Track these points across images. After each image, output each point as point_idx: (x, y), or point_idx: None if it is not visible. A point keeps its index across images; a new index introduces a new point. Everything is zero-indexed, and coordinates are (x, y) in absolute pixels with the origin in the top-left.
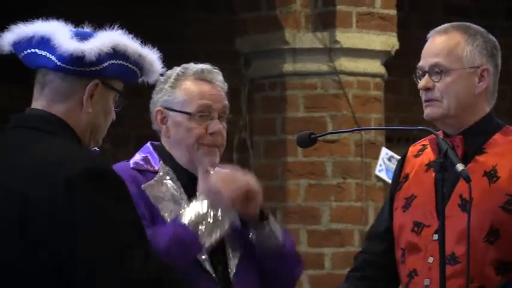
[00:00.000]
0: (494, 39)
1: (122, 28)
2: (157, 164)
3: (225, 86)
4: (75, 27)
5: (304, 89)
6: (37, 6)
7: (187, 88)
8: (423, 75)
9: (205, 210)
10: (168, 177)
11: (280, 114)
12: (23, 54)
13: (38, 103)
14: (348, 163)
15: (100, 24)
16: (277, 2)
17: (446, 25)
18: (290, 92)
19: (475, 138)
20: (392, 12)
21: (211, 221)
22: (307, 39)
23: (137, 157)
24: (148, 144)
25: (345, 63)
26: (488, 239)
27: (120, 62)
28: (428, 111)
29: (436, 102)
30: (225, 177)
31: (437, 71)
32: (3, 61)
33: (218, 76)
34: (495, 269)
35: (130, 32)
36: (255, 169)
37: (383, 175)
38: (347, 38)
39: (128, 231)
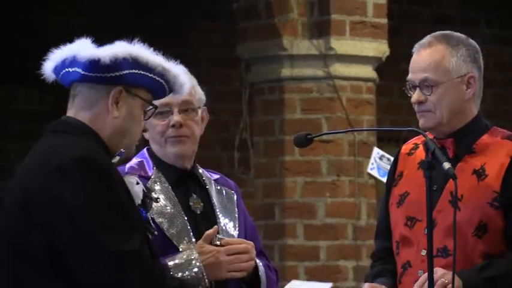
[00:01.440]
0: (474, 43)
1: (129, 37)
2: (150, 170)
3: (193, 80)
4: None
5: (301, 93)
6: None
7: None
8: (414, 88)
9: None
10: (158, 183)
11: (279, 116)
12: (59, 76)
13: (70, 112)
14: (342, 162)
15: (108, 33)
16: (276, 11)
17: (429, 38)
18: (288, 95)
19: (465, 140)
20: (384, 21)
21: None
22: (303, 46)
23: (133, 161)
24: (145, 149)
25: (339, 69)
26: (476, 234)
27: (143, 72)
28: (423, 122)
29: (429, 113)
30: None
31: (427, 85)
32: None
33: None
34: (483, 261)
35: (138, 41)
36: (255, 167)
37: (375, 173)
38: (341, 45)
39: (113, 212)
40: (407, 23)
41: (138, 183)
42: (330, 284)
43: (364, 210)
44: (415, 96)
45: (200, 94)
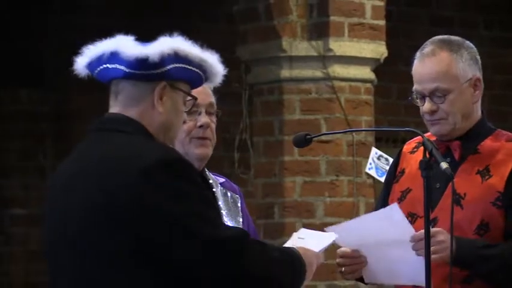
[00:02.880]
0: (472, 45)
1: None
2: None
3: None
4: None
5: (300, 94)
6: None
7: None
8: (423, 98)
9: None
10: None
11: (278, 117)
12: (96, 72)
13: (115, 109)
14: (341, 162)
15: (108, 33)
16: (275, 13)
17: (430, 46)
18: (287, 96)
19: (470, 142)
20: (382, 22)
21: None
22: (302, 47)
23: None
24: None
25: (338, 70)
26: (478, 232)
27: (184, 65)
28: (437, 129)
29: (442, 120)
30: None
31: (438, 94)
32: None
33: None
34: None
35: (143, 41)
36: (254, 167)
37: (373, 173)
38: (339, 46)
39: (205, 209)
40: (405, 25)
41: None
42: (334, 235)
43: (363, 210)
44: (428, 106)
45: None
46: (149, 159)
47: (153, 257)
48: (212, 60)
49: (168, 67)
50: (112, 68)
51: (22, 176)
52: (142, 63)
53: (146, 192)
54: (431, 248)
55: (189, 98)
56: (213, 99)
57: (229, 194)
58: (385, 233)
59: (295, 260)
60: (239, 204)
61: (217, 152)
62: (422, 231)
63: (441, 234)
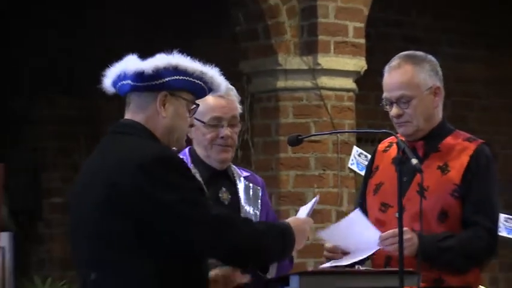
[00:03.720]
0: (433, 58)
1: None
2: (189, 165)
3: (238, 99)
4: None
5: (293, 101)
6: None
7: (206, 102)
8: (391, 104)
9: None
10: None
11: (274, 121)
12: (117, 88)
13: (127, 115)
14: (327, 158)
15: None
16: (272, 33)
17: (397, 60)
18: (282, 103)
19: (432, 141)
20: (362, 41)
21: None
22: (295, 62)
23: None
24: (187, 149)
25: (325, 81)
26: (439, 219)
27: (183, 77)
28: (403, 130)
29: (407, 123)
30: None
31: (403, 101)
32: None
33: (232, 92)
34: None
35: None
36: (255, 163)
37: (354, 167)
38: (326, 61)
39: (198, 196)
40: (382, 43)
41: None
42: (317, 197)
43: (346, 199)
44: (395, 111)
45: (240, 110)
46: (146, 156)
47: (153, 239)
48: (212, 72)
49: (167, 79)
50: (125, 83)
51: (59, 170)
52: (140, 76)
53: (144, 184)
54: (398, 246)
55: (193, 105)
56: (236, 112)
57: (251, 185)
58: (356, 235)
59: (284, 230)
60: (259, 194)
61: None
62: (389, 232)
63: (407, 233)
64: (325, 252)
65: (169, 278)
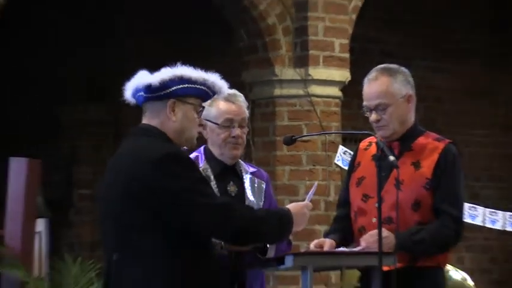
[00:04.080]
0: (406, 70)
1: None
2: (202, 162)
3: (246, 104)
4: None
5: (288, 107)
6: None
7: (218, 106)
8: (370, 111)
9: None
10: (205, 172)
11: (272, 123)
12: (135, 99)
13: (144, 121)
14: (317, 155)
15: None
16: (270, 49)
17: (374, 72)
18: (278, 108)
19: (406, 141)
20: (346, 55)
21: None
22: (290, 73)
23: (192, 154)
24: (202, 147)
25: (315, 89)
26: (413, 208)
27: (188, 85)
28: (381, 133)
29: (385, 127)
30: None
31: (381, 108)
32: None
33: (240, 98)
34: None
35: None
36: (255, 159)
37: (340, 163)
38: (316, 72)
39: (203, 186)
40: (363, 57)
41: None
42: (315, 185)
43: (333, 190)
44: (373, 117)
45: (247, 114)
46: (159, 154)
47: (165, 223)
48: (213, 78)
49: (174, 88)
50: (140, 95)
51: (88, 165)
52: (149, 88)
53: (156, 177)
54: (378, 244)
55: (200, 108)
56: (245, 115)
57: (256, 180)
58: None
59: (282, 216)
60: (263, 188)
61: None
62: (368, 234)
63: (385, 232)
64: (311, 246)
65: (181, 257)
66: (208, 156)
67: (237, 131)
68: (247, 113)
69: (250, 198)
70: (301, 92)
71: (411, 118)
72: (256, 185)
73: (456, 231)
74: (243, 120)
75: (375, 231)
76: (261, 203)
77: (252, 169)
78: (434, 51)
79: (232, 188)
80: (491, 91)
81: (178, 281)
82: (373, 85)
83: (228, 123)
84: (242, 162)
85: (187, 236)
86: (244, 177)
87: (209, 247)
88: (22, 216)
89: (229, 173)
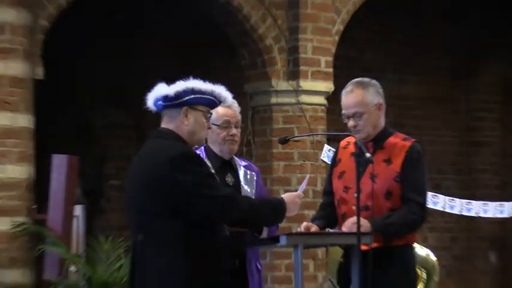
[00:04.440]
0: (377, 82)
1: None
2: (203, 158)
3: (239, 109)
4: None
5: (282, 112)
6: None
7: (217, 111)
8: (348, 118)
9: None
10: None
11: (269, 126)
12: (155, 106)
13: (162, 125)
14: (306, 153)
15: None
16: (267, 65)
17: (350, 86)
18: (274, 114)
19: (379, 142)
20: (331, 70)
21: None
22: (284, 85)
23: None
24: (202, 146)
25: (305, 99)
26: (385, 197)
27: (199, 95)
28: (358, 136)
29: (360, 131)
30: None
31: (357, 116)
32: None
33: (235, 104)
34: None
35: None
36: (255, 156)
37: (325, 159)
38: (306, 84)
39: (211, 180)
40: (344, 71)
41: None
42: (307, 178)
43: (319, 181)
44: (351, 123)
45: (240, 117)
46: (174, 152)
47: (180, 211)
48: (220, 89)
49: (186, 98)
50: (159, 104)
51: (117, 161)
52: (166, 98)
53: (171, 172)
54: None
55: (208, 114)
56: (239, 118)
57: (248, 172)
58: None
59: (275, 205)
60: (255, 179)
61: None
62: (349, 220)
63: (362, 221)
64: (302, 228)
65: (192, 238)
66: (209, 153)
67: (233, 131)
68: (239, 116)
69: (244, 187)
70: (293, 100)
71: (382, 122)
72: (248, 176)
73: (421, 215)
74: (237, 122)
75: (353, 218)
76: (253, 191)
77: (244, 163)
78: (404, 67)
79: (229, 179)
80: (452, 99)
81: (190, 256)
82: (350, 97)
83: (226, 124)
84: (236, 157)
85: (197, 221)
86: (239, 169)
87: (216, 228)
88: (63, 203)
89: (226, 166)
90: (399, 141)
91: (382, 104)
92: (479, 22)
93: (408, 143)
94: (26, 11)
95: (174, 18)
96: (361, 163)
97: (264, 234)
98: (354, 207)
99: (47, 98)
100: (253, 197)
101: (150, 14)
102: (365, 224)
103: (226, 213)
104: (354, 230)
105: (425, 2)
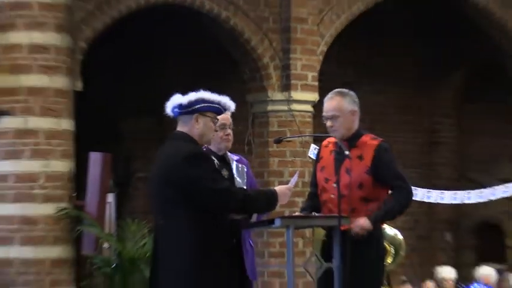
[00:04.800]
0: (353, 93)
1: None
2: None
3: (230, 113)
4: None
5: (277, 118)
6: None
7: None
8: (327, 119)
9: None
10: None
11: (266, 129)
12: (172, 113)
13: (178, 128)
14: (296, 151)
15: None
16: (264, 79)
17: (331, 94)
18: (270, 119)
19: (352, 141)
20: (316, 83)
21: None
22: (278, 95)
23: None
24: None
25: (295, 106)
26: (358, 187)
27: (208, 104)
28: (333, 135)
29: (336, 131)
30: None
31: (334, 118)
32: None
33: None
34: (361, 200)
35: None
36: (255, 153)
37: (312, 156)
38: (296, 95)
39: (215, 175)
40: (328, 84)
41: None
42: (297, 173)
43: (307, 174)
44: (329, 123)
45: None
46: (186, 151)
47: (190, 200)
48: (225, 99)
49: (197, 106)
50: (175, 111)
51: (142, 158)
52: (181, 106)
53: (184, 168)
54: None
55: (216, 120)
56: (231, 120)
57: (240, 165)
58: None
59: (268, 194)
60: (245, 171)
61: (239, 146)
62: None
63: (361, 219)
64: (296, 213)
65: (203, 222)
66: (208, 152)
67: (228, 131)
68: (231, 119)
69: (237, 179)
70: (285, 108)
71: (355, 126)
72: (239, 169)
73: (408, 196)
74: (231, 124)
75: (359, 222)
76: (245, 181)
77: (235, 157)
78: (377, 80)
79: (225, 172)
80: (417, 106)
81: (201, 237)
82: (329, 102)
83: (223, 126)
84: (228, 153)
85: (205, 209)
86: (232, 164)
87: (224, 215)
88: (98, 192)
89: (222, 161)
90: (369, 141)
91: (356, 111)
92: (441, 44)
93: (376, 142)
94: (67, 35)
95: (189, 42)
96: (340, 159)
97: (254, 219)
98: (332, 196)
99: (87, 106)
100: (244, 187)
101: (169, 39)
102: (366, 222)
103: (225, 204)
104: (354, 226)
105: (395, 27)
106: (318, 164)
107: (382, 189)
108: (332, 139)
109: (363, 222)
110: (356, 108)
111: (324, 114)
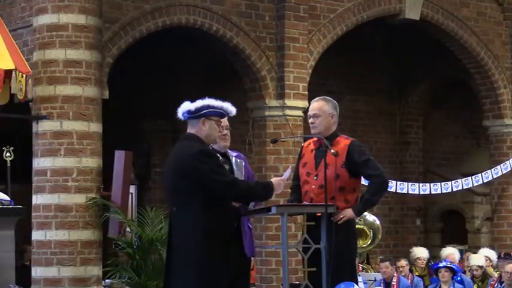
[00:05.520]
0: (334, 101)
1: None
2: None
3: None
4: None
5: (273, 122)
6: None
7: None
8: (310, 117)
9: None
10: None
11: (264, 131)
12: (183, 117)
13: (188, 130)
14: (289, 149)
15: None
16: (262, 88)
17: (317, 98)
18: (267, 122)
19: (329, 140)
20: (306, 92)
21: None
22: (274, 103)
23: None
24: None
25: (289, 112)
26: (335, 178)
27: (213, 109)
28: (313, 131)
29: (315, 128)
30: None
31: (316, 116)
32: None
33: (232, 113)
34: (339, 190)
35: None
36: (254, 152)
37: None
38: (290, 102)
39: (221, 169)
40: (315, 93)
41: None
42: (290, 168)
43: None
44: (311, 120)
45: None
46: (196, 149)
47: (200, 190)
48: (228, 105)
49: (204, 111)
50: (185, 115)
51: (159, 155)
52: (189, 111)
53: (194, 163)
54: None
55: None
56: (227, 123)
57: (238, 160)
58: None
59: (266, 184)
60: (243, 165)
61: (241, 145)
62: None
63: (346, 211)
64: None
65: (212, 210)
66: (213, 150)
67: (226, 131)
68: (227, 122)
69: (236, 171)
70: (280, 113)
71: (333, 128)
72: (238, 163)
73: (383, 181)
74: (227, 125)
75: (340, 214)
76: (242, 173)
77: (234, 154)
78: (356, 90)
79: (227, 167)
80: (389, 112)
81: (208, 222)
82: (315, 104)
83: (222, 127)
84: (228, 150)
85: (213, 198)
86: (231, 159)
87: (226, 203)
88: (122, 184)
89: (223, 157)
90: (343, 140)
91: (335, 115)
92: (409, 60)
93: (349, 141)
94: (96, 52)
95: (198, 57)
96: (320, 156)
97: (251, 206)
98: (313, 186)
99: (112, 112)
100: (242, 178)
101: (183, 55)
102: (349, 212)
103: (230, 193)
104: (339, 216)
105: (370, 47)
106: (300, 161)
107: (356, 179)
108: (313, 139)
109: (350, 214)
110: (335, 113)
111: (309, 112)
